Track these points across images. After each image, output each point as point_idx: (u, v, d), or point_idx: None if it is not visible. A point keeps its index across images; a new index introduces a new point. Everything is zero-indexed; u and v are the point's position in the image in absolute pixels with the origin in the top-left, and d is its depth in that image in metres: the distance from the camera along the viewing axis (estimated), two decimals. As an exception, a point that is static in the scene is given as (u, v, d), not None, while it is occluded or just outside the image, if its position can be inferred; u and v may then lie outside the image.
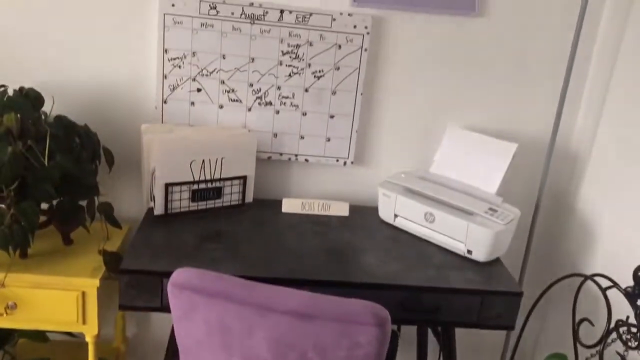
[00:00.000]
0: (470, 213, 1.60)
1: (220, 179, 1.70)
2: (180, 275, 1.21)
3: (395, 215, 1.72)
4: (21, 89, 1.56)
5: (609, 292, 1.33)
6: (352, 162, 1.85)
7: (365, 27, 1.73)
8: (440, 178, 1.76)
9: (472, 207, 1.60)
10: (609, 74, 1.73)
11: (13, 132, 1.43)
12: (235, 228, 1.64)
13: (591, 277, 1.35)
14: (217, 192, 1.71)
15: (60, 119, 1.55)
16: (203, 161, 1.66)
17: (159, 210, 1.64)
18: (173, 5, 1.66)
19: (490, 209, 1.60)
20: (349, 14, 1.71)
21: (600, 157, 1.76)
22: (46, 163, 1.44)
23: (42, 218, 1.53)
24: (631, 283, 1.26)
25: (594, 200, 1.77)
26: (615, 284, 1.30)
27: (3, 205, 1.43)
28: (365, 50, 1.75)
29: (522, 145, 1.82)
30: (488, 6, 1.74)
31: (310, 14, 1.71)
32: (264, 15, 1.70)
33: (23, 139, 1.44)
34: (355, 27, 1.73)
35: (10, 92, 1.54)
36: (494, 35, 1.77)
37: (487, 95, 1.83)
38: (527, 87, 1.83)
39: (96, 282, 1.49)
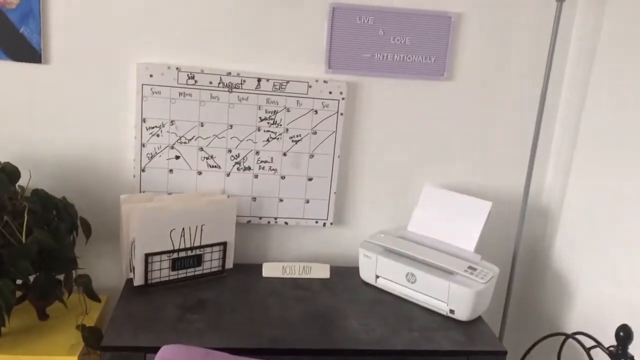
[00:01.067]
0: (450, 272, 1.62)
1: (200, 247, 1.69)
2: (167, 353, 1.18)
3: (377, 276, 1.73)
4: (-3, 163, 1.54)
5: (592, 351, 1.35)
6: (331, 223, 1.87)
7: (341, 93, 1.78)
8: (419, 237, 1.79)
9: (452, 267, 1.63)
10: (575, 132, 1.81)
11: (-11, 209, 1.41)
12: (217, 296, 1.62)
13: (573, 335, 1.37)
14: (197, 260, 1.70)
15: (37, 193, 1.53)
16: (183, 229, 1.65)
17: (138, 280, 1.61)
18: (151, 75, 1.68)
19: (470, 267, 1.63)
20: (324, 81, 1.77)
21: (571, 213, 1.82)
22: (24, 239, 1.41)
23: (17, 293, 1.49)
24: (614, 341, 1.29)
25: (568, 256, 1.81)
26: (598, 344, 1.32)
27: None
28: (341, 114, 1.80)
29: (497, 202, 1.88)
30: (456, 71, 1.82)
31: (287, 82, 1.75)
32: (241, 84, 1.73)
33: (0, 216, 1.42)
34: (330, 92, 1.78)
35: (-15, 166, 1.53)
36: (462, 98, 1.85)
37: (461, 153, 1.89)
38: (498, 146, 1.90)
39: (75, 359, 1.45)
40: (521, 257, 1.97)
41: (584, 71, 1.78)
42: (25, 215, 1.42)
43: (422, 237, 1.78)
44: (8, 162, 1.54)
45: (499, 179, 1.92)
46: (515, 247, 1.85)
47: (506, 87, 1.85)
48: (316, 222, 1.86)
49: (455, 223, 1.77)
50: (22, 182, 1.57)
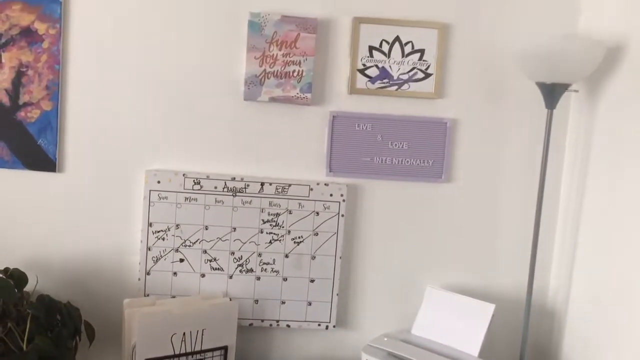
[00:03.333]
0: (454, 379, 1.59)
1: (201, 351, 1.68)
2: None
3: (380, 382, 1.70)
4: (6, 269, 1.59)
5: None
6: (334, 326, 1.86)
7: (341, 195, 1.83)
8: (423, 340, 1.76)
9: (456, 373, 1.59)
10: (576, 230, 1.82)
11: (-6, 316, 1.44)
12: (216, 404, 1.60)
13: None
14: (198, 365, 1.69)
15: (42, 300, 1.56)
16: (184, 334, 1.65)
17: (137, 387, 1.60)
18: (159, 182, 1.76)
19: (474, 373, 1.60)
20: (325, 184, 1.82)
21: (578, 312, 1.79)
22: (24, 347, 1.43)
23: (16, 402, 1.49)
24: None
25: (577, 356, 1.76)
26: None
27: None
28: (342, 216, 1.84)
29: (501, 302, 1.85)
30: (454, 173, 1.87)
31: (289, 185, 1.81)
32: (245, 188, 1.80)
33: (3, 322, 1.45)
34: (331, 195, 1.83)
35: (-5, 272, 1.57)
36: (462, 199, 1.88)
37: (462, 254, 1.90)
38: (499, 246, 1.91)
39: None
40: (529, 358, 1.91)
41: (581, 170, 1.81)
42: (28, 323, 1.45)
43: (426, 341, 1.76)
44: (16, 268, 1.59)
45: (502, 280, 1.91)
46: (521, 350, 1.81)
47: (504, 187, 1.89)
48: (319, 324, 1.85)
49: (459, 326, 1.75)
50: (29, 286, 1.61)
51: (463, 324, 1.75)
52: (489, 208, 1.89)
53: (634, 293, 1.55)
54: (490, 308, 1.73)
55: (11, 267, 1.60)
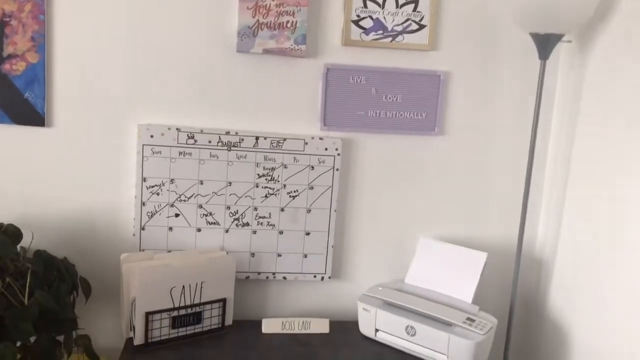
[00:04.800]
0: (449, 324, 1.64)
1: (200, 304, 1.70)
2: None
3: (377, 330, 1.74)
4: (0, 225, 1.56)
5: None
6: (329, 277, 1.89)
7: (336, 149, 1.83)
8: (417, 289, 1.81)
9: (451, 318, 1.64)
10: (565, 181, 1.87)
11: (-8, 271, 1.42)
12: (218, 355, 1.62)
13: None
14: (197, 317, 1.70)
15: (39, 254, 1.55)
16: (183, 287, 1.66)
17: (139, 340, 1.61)
18: (152, 136, 1.73)
19: (468, 318, 1.65)
20: (320, 138, 1.82)
21: (565, 261, 1.85)
22: (25, 301, 1.42)
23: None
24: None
25: (563, 305, 1.83)
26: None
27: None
28: (337, 170, 1.84)
29: (492, 252, 1.91)
30: (447, 126, 1.89)
31: (284, 139, 1.81)
32: (240, 142, 1.79)
33: (2, 277, 1.43)
34: (326, 149, 1.83)
35: (-12, 228, 1.55)
36: (454, 152, 1.91)
37: (454, 206, 1.94)
38: (491, 197, 1.95)
39: (74, 423, 1.43)
40: (518, 307, 1.98)
41: (570, 121, 1.85)
42: (28, 277, 1.43)
43: (420, 290, 1.80)
44: (11, 224, 1.56)
45: (493, 230, 1.96)
46: (512, 298, 1.87)
47: (496, 139, 1.92)
48: (314, 276, 1.88)
49: (452, 275, 1.80)
50: (24, 242, 1.59)
51: (456, 272, 1.79)
52: (481, 160, 1.92)
53: (619, 242, 1.60)
54: (482, 256, 1.78)
55: (5, 223, 1.57)
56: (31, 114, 1.69)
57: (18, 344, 1.45)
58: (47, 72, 1.68)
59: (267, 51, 1.74)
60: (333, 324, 1.82)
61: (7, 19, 1.64)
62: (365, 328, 1.77)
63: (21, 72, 1.66)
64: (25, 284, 1.44)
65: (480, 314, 1.69)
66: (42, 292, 1.46)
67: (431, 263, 1.84)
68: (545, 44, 1.69)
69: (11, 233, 1.56)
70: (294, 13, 1.73)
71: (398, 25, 1.80)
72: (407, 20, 1.80)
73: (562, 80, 1.90)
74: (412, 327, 1.67)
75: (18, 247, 1.57)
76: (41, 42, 1.66)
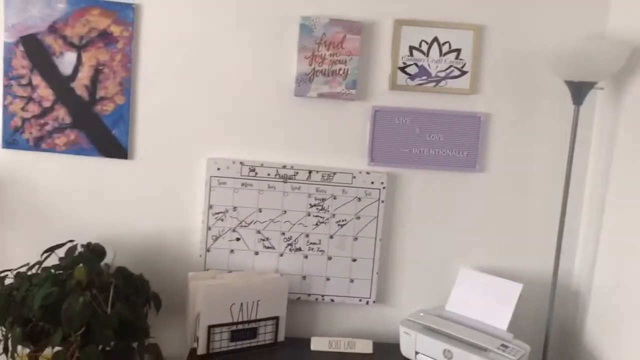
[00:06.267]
0: (484, 349, 1.75)
1: (256, 320, 1.89)
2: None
3: (416, 352, 1.87)
4: (88, 244, 1.81)
5: None
6: (374, 302, 2.04)
7: (382, 183, 2.00)
8: (456, 316, 1.93)
9: (486, 344, 1.76)
10: (600, 218, 1.96)
11: (82, 284, 1.66)
12: (270, 366, 1.80)
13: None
14: (253, 332, 1.89)
15: (120, 271, 1.78)
16: (241, 304, 1.86)
17: (201, 350, 1.81)
18: (218, 169, 1.96)
19: (503, 345, 1.76)
20: (367, 172, 2.00)
21: (601, 295, 1.93)
22: (109, 311, 1.65)
23: None
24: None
25: (599, 337, 1.91)
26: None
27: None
28: (382, 202, 2.01)
29: (528, 284, 2.02)
30: (486, 163, 2.03)
31: (334, 173, 1.99)
32: (294, 175, 1.98)
33: (89, 289, 1.66)
34: (372, 182, 2.00)
35: (79, 246, 1.80)
36: (493, 187, 2.04)
37: (492, 238, 2.06)
38: (528, 231, 2.06)
39: (145, 420, 1.63)
40: (554, 337, 2.07)
41: (606, 161, 1.95)
42: (111, 290, 1.66)
43: (459, 316, 1.93)
44: (97, 243, 1.81)
45: (529, 262, 2.07)
46: (547, 328, 1.96)
47: (533, 177, 2.04)
48: (360, 300, 2.04)
49: (489, 303, 1.92)
50: (108, 259, 1.83)
51: (493, 301, 1.91)
52: (519, 196, 2.05)
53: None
54: (518, 287, 1.89)
55: (92, 242, 1.82)
56: (116, 148, 1.95)
57: (100, 348, 1.67)
58: (131, 111, 1.94)
59: (321, 95, 1.95)
60: (376, 345, 1.96)
61: (101, 67, 1.91)
62: (406, 350, 1.90)
63: (110, 112, 1.93)
64: (108, 296, 1.67)
65: (515, 341, 1.80)
66: (122, 304, 1.68)
67: (470, 292, 1.97)
68: (578, 91, 1.81)
69: (97, 251, 1.80)
70: (346, 61, 1.93)
71: (441, 71, 1.97)
72: (450, 67, 1.97)
73: (598, 122, 2.00)
74: (449, 351, 1.79)
75: (102, 263, 1.81)
76: (127, 86, 1.93)
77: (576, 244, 2.07)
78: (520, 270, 2.07)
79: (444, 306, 1.99)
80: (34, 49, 1.90)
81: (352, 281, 2.04)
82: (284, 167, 1.98)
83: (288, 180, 1.99)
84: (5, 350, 1.67)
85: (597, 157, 2.00)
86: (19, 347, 1.65)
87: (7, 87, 1.91)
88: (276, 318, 1.93)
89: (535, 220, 2.06)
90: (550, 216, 2.05)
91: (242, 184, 1.97)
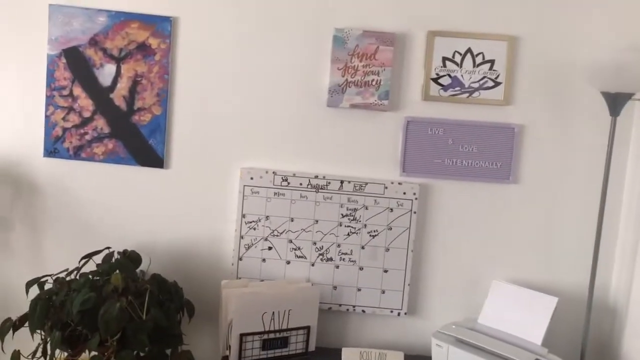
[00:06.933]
0: (518, 364, 1.72)
1: (287, 329, 1.89)
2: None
3: (448, 365, 1.86)
4: (125, 251, 1.85)
5: None
6: (405, 313, 2.03)
7: (414, 194, 2.00)
8: (489, 329, 1.91)
9: (520, 358, 1.73)
10: (638, 230, 1.92)
11: (118, 290, 1.70)
12: (301, 376, 1.80)
13: None
14: (284, 342, 1.90)
15: (155, 278, 1.81)
16: (273, 313, 1.87)
17: (233, 358, 1.82)
18: (252, 178, 1.98)
19: (537, 359, 1.73)
20: (399, 183, 2.00)
21: (638, 311, 1.89)
22: (144, 317, 1.68)
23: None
24: None
25: (637, 353, 1.86)
26: None
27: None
28: (414, 212, 2.00)
29: (562, 297, 1.98)
30: (520, 175, 2.01)
31: (366, 183, 2.00)
32: (326, 185, 2.00)
33: (125, 295, 1.70)
34: (404, 193, 2.00)
35: (115, 253, 1.84)
36: (527, 199, 2.01)
37: (527, 250, 2.03)
38: (563, 244, 2.03)
39: None
40: (590, 352, 2.02)
41: (644, 176, 1.91)
42: (146, 296, 1.70)
43: (492, 330, 1.90)
44: (133, 250, 1.85)
45: (564, 275, 2.03)
46: (583, 343, 1.92)
47: (568, 189, 2.01)
48: (391, 311, 2.03)
49: (523, 317, 1.89)
50: (143, 266, 1.87)
51: (527, 315, 1.88)
52: (553, 208, 2.02)
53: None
54: (553, 301, 1.86)
55: (129, 249, 1.86)
56: (153, 158, 1.99)
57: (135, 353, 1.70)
58: (167, 122, 1.98)
59: (353, 106, 1.96)
60: (407, 358, 1.95)
61: (139, 79, 1.96)
62: (438, 362, 1.89)
63: (147, 122, 1.98)
64: (143, 302, 1.71)
65: (550, 355, 1.77)
66: (157, 310, 1.71)
67: (503, 305, 1.94)
68: (615, 102, 1.78)
69: (133, 258, 1.84)
70: (378, 72, 1.94)
71: (475, 82, 1.97)
72: (483, 78, 1.96)
73: (636, 134, 1.97)
74: (482, 364, 1.77)
75: (138, 270, 1.84)
76: (164, 97, 1.97)
77: (613, 258, 2.03)
78: (555, 284, 2.04)
79: (476, 319, 1.97)
80: (76, 61, 1.96)
81: (383, 292, 2.03)
82: (316, 177, 2.00)
83: (320, 190, 2.00)
84: (44, 353, 1.71)
85: (634, 169, 1.96)
86: (57, 351, 1.69)
87: (49, 98, 1.97)
88: (307, 328, 1.93)
89: (571, 233, 2.02)
90: (586, 229, 2.02)
91: (275, 194, 1.99)
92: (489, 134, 1.99)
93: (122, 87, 1.97)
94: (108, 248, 1.88)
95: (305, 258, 2.02)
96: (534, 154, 2.00)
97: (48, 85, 1.97)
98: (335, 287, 2.03)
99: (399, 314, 2.03)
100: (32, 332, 1.72)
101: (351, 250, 2.02)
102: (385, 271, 2.02)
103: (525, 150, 2.00)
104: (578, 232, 2.02)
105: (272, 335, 1.87)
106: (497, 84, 1.97)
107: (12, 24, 1.96)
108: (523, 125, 1.99)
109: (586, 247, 2.01)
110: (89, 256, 1.84)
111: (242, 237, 2.00)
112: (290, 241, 2.01)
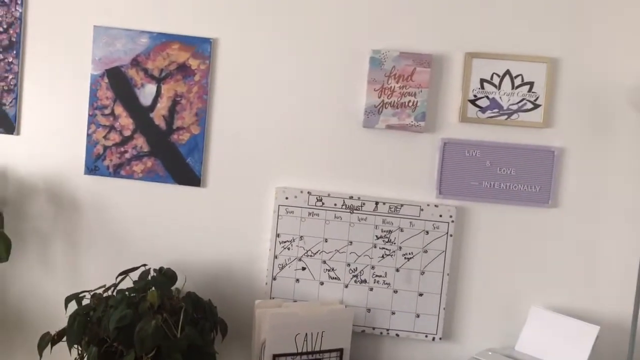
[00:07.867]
0: (559, 394, 1.67)
1: (320, 351, 1.88)
2: None
3: (485, 393, 1.81)
4: (161, 268, 1.87)
5: None
6: (440, 338, 1.99)
7: (450, 216, 1.97)
8: (526, 356, 1.86)
9: (561, 389, 1.68)
10: (684, 261, 1.85)
11: (154, 307, 1.71)
12: (334, 399, 1.78)
13: None
14: (317, 364, 1.88)
15: (190, 296, 1.82)
16: (306, 334, 1.86)
17: (266, 379, 1.82)
18: (286, 198, 1.99)
19: (579, 391, 1.67)
20: (435, 205, 1.98)
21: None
22: (178, 335, 1.68)
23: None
24: None
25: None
26: None
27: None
28: (451, 235, 1.97)
29: (604, 326, 1.91)
30: (560, 199, 1.96)
31: (401, 205, 1.98)
32: (361, 206, 1.99)
33: (161, 313, 1.71)
34: (441, 216, 1.97)
35: (152, 270, 1.86)
36: (567, 224, 1.96)
37: (566, 276, 1.98)
38: (604, 270, 1.96)
39: None
40: (635, 385, 1.94)
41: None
42: (181, 314, 1.70)
43: (530, 357, 1.85)
44: (169, 268, 1.87)
45: (606, 303, 1.97)
46: (627, 374, 1.85)
47: (610, 214, 1.95)
48: (426, 336, 1.99)
49: (562, 346, 1.83)
50: (178, 284, 1.88)
51: (566, 344, 1.82)
52: (594, 233, 1.96)
53: None
54: (594, 330, 1.80)
55: (165, 267, 1.88)
56: (190, 176, 2.02)
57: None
58: (205, 141, 2.01)
59: (389, 127, 1.95)
60: (442, 383, 1.92)
61: (179, 98, 2.00)
62: (474, 390, 1.84)
63: (185, 141, 2.01)
64: (178, 320, 1.71)
65: (592, 387, 1.71)
66: (191, 328, 1.72)
67: (541, 332, 1.89)
68: (661, 125, 1.74)
69: (169, 275, 1.86)
70: (415, 94, 1.94)
71: (513, 104, 1.94)
72: (522, 100, 1.94)
73: (683, 158, 1.91)
74: (520, 394, 1.72)
75: (173, 288, 1.86)
76: (203, 117, 2.00)
77: (658, 286, 1.96)
78: (596, 312, 1.97)
79: (513, 346, 1.92)
80: (118, 80, 2.01)
81: (418, 316, 2.00)
82: (351, 197, 1.99)
83: (354, 211, 1.99)
84: (80, 368, 1.73)
85: (681, 194, 1.90)
86: (93, 366, 1.70)
87: (91, 117, 2.02)
88: (340, 350, 1.91)
89: (612, 259, 1.96)
90: (628, 255, 1.95)
91: (309, 214, 1.99)
92: (527, 156, 1.95)
93: (162, 106, 2.01)
94: (144, 265, 1.90)
95: (339, 279, 2.00)
96: (574, 178, 1.96)
97: (91, 104, 2.02)
98: (369, 310, 2.00)
99: (433, 339, 1.99)
100: (70, 347, 1.74)
101: (385, 273, 2.00)
102: (420, 295, 1.99)
103: (565, 174, 1.96)
104: (620, 258, 1.96)
105: (305, 357, 1.86)
106: (536, 106, 1.94)
107: (58, 44, 2.03)
108: (563, 148, 1.95)
109: (629, 273, 1.95)
110: (125, 273, 1.86)
111: (276, 256, 2.00)
112: (324, 262, 2.00)
